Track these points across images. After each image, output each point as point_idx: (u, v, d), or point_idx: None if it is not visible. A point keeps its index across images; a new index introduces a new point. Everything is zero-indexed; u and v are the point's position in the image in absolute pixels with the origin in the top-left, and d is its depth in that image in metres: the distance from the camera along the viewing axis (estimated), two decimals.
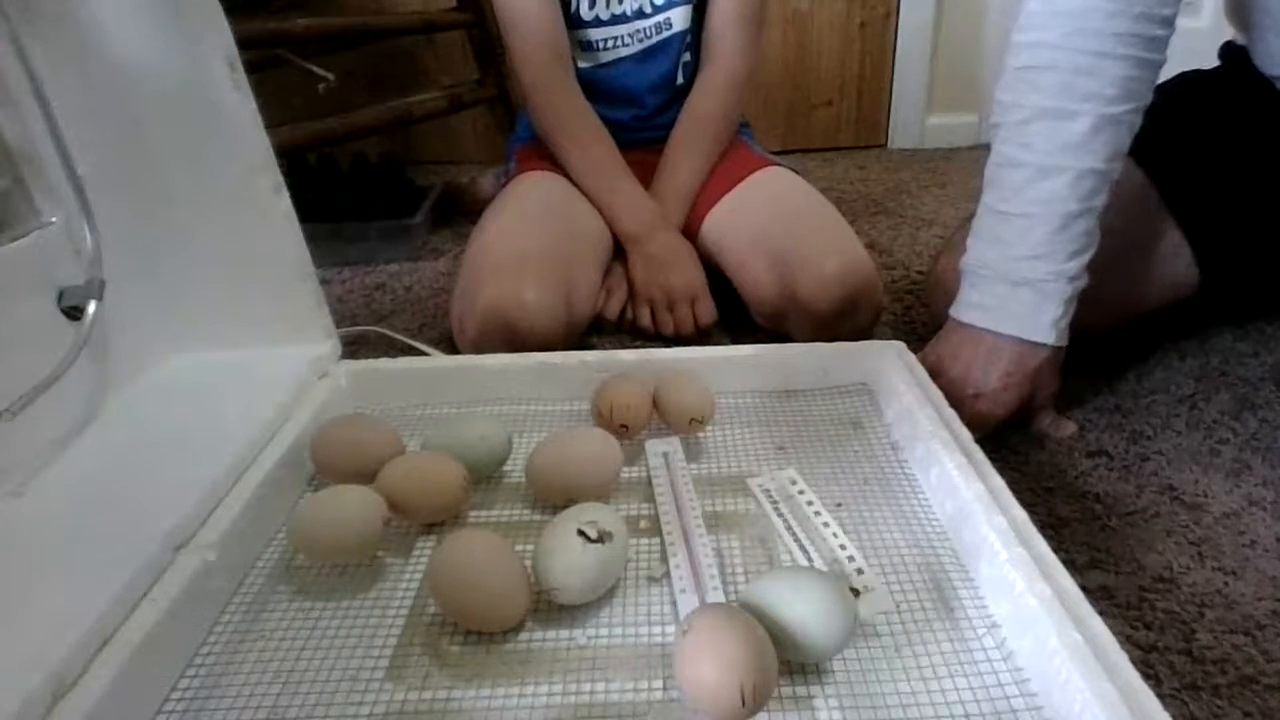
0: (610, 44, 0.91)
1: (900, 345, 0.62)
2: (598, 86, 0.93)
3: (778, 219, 0.81)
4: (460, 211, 1.35)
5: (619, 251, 0.89)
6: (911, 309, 0.88)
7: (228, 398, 0.54)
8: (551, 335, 0.71)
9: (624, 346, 0.82)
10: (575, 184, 0.89)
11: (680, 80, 0.95)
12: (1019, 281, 0.60)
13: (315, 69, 0.97)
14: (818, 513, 0.48)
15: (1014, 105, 0.60)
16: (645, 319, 0.84)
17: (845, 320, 0.74)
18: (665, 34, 0.91)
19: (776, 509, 0.48)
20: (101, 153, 0.51)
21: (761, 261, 0.79)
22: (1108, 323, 0.72)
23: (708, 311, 0.83)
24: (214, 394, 0.54)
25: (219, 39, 0.50)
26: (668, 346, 0.64)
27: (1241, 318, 0.81)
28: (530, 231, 0.80)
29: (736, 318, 0.86)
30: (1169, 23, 0.58)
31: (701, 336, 0.82)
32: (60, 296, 0.48)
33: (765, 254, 0.79)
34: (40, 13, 0.48)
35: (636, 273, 0.85)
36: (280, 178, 0.55)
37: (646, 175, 0.90)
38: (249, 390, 0.54)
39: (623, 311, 0.87)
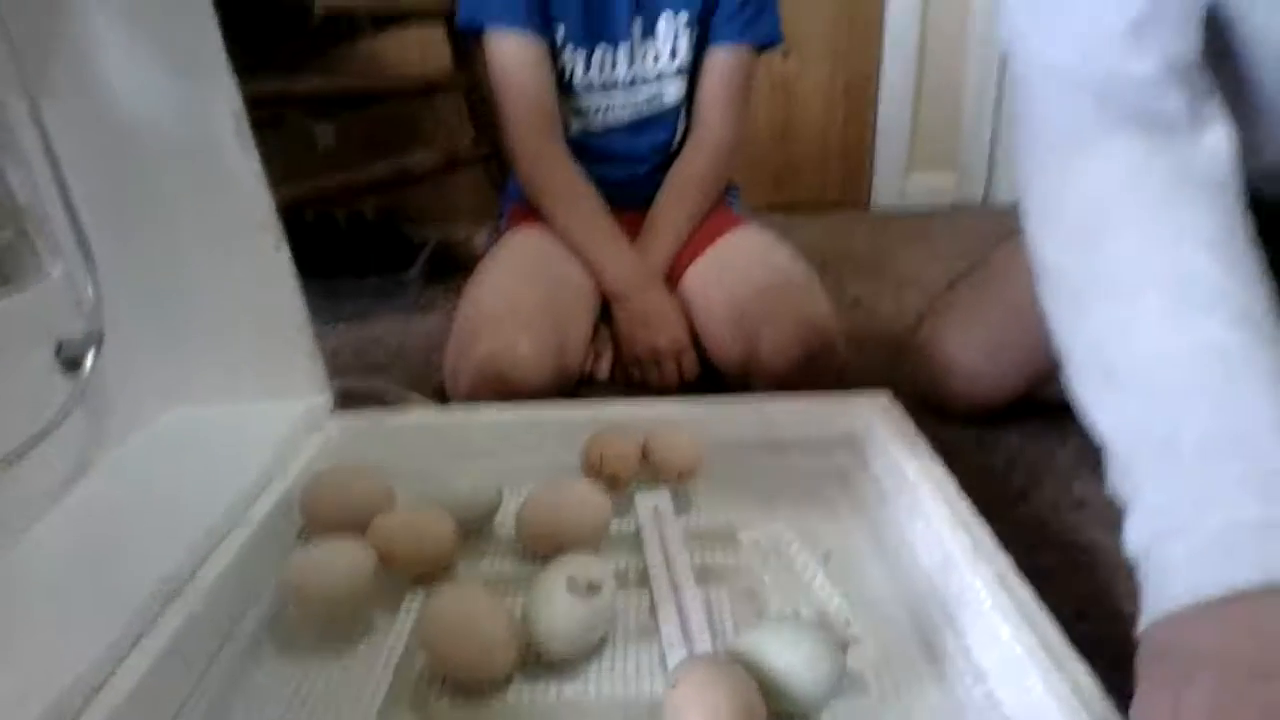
0: (604, 111, 0.95)
1: (886, 396, 0.63)
2: (592, 151, 0.96)
3: (745, 279, 0.84)
4: (454, 268, 1.37)
5: (606, 307, 0.91)
6: (896, 363, 0.89)
7: (220, 450, 0.54)
8: (544, 387, 0.72)
9: (613, 398, 0.83)
10: (563, 241, 0.91)
11: (675, 148, 0.98)
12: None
13: (317, 128, 1.00)
14: (806, 564, 0.48)
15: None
16: (634, 376, 0.85)
17: (805, 380, 0.75)
18: (659, 106, 0.95)
19: (765, 561, 0.49)
20: (106, 206, 0.53)
21: (727, 320, 0.81)
22: None
23: (691, 366, 0.85)
24: (207, 446, 0.55)
25: (227, 97, 0.52)
26: (656, 397, 0.65)
27: None
28: (522, 286, 0.82)
29: (710, 370, 0.87)
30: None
31: (686, 388, 0.84)
32: (59, 348, 0.49)
33: (731, 313, 0.81)
34: (54, 71, 0.50)
35: (622, 329, 0.87)
36: (281, 234, 0.56)
37: (637, 234, 0.93)
38: (242, 443, 0.55)
39: (612, 367, 0.88)
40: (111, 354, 0.51)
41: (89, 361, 0.49)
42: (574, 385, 0.82)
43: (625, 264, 0.89)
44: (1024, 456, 0.71)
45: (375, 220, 1.43)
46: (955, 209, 1.85)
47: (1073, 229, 0.49)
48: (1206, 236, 0.45)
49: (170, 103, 0.52)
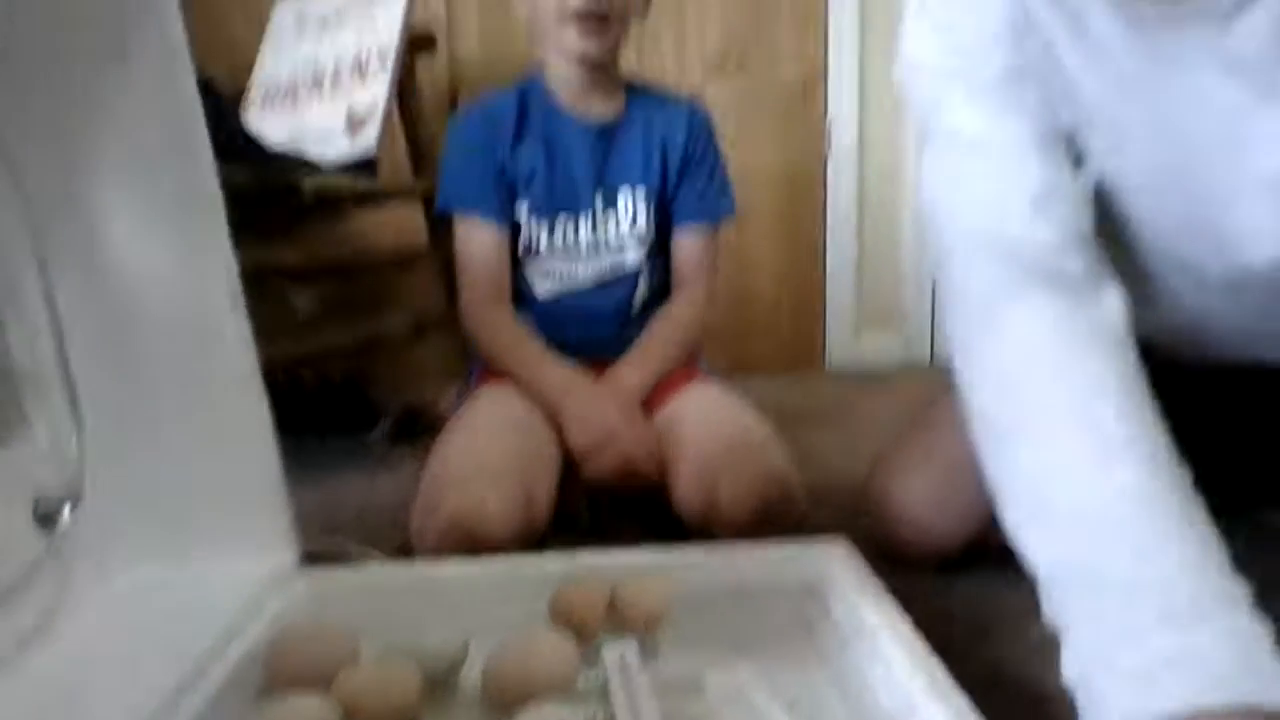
0: (567, 276, 1.02)
1: (845, 544, 0.65)
2: (558, 312, 1.02)
3: (706, 431, 0.87)
4: (419, 430, 1.39)
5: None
6: (854, 513, 0.92)
7: (186, 607, 0.54)
8: (513, 543, 0.73)
9: (579, 547, 0.84)
10: (514, 380, 0.95)
11: (635, 310, 1.05)
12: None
13: (296, 297, 1.06)
14: (771, 711, 0.49)
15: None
16: (592, 479, 0.88)
17: (764, 530, 0.76)
18: (620, 270, 1.03)
19: (733, 709, 0.49)
20: (96, 365, 0.55)
21: (688, 470, 0.84)
22: None
23: (645, 457, 0.86)
24: (173, 603, 0.55)
25: (224, 267, 0.56)
26: (624, 546, 0.66)
27: None
28: (490, 443, 0.84)
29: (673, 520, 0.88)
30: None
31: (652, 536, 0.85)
32: (36, 504, 0.50)
33: (692, 463, 0.84)
34: (64, 233, 0.54)
35: (570, 435, 0.88)
36: (264, 394, 0.59)
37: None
38: (207, 600, 0.55)
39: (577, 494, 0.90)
40: (87, 510, 0.52)
41: (64, 517, 0.49)
42: (542, 537, 0.83)
43: (564, 374, 0.93)
44: (979, 601, 0.73)
45: (342, 382, 1.46)
46: (905, 367, 1.96)
47: (998, 379, 0.56)
48: (1114, 387, 0.51)
49: (171, 271, 0.56)
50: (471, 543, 0.72)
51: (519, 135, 0.99)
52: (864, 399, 1.60)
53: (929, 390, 0.89)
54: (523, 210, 0.99)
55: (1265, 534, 0.84)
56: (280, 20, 1.59)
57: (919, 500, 0.76)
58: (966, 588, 0.75)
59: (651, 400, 0.96)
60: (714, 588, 0.64)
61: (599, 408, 0.89)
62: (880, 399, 1.60)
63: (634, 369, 0.95)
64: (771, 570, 0.64)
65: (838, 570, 0.61)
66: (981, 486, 0.70)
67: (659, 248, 1.05)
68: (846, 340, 2.01)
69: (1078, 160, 0.59)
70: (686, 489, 0.83)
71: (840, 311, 2.00)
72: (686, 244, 1.04)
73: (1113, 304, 0.55)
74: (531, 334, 0.98)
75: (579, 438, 0.88)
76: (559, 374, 0.93)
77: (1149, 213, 0.61)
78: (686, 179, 1.03)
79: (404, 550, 0.85)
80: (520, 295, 1.03)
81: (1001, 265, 0.56)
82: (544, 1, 0.93)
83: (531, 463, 0.84)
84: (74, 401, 0.52)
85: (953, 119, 0.60)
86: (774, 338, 2.01)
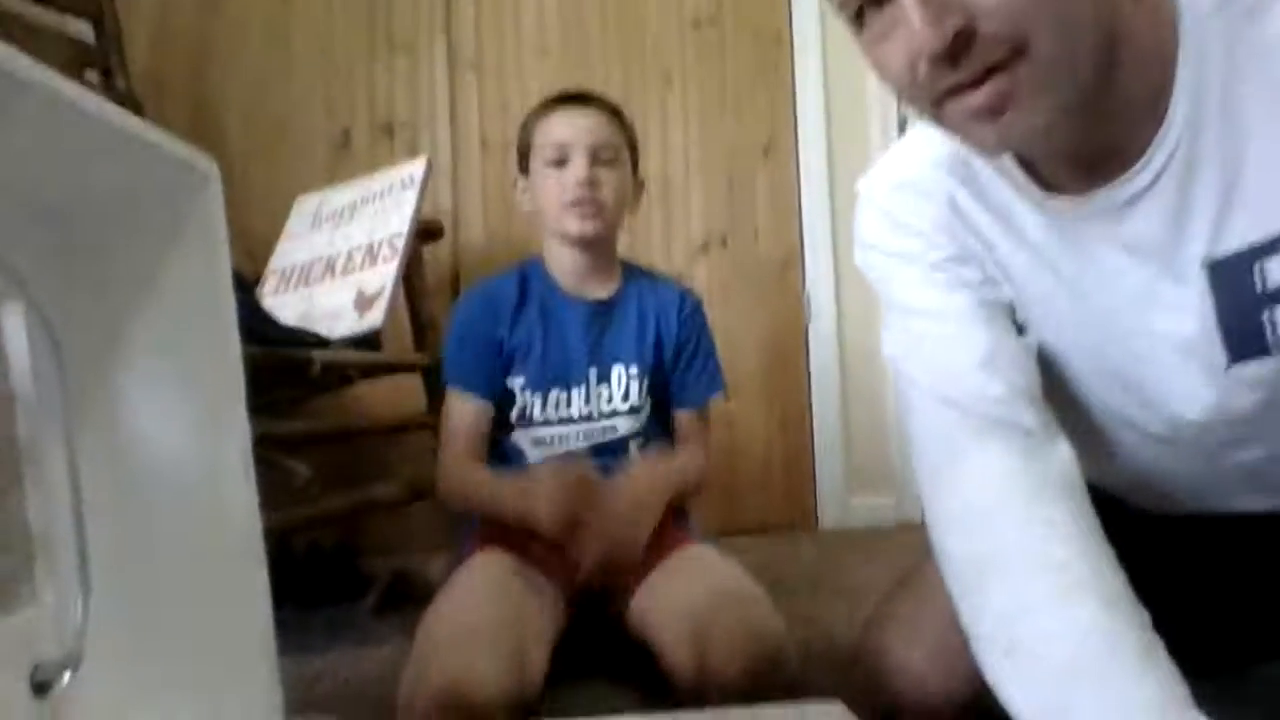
0: (560, 441, 1.06)
1: (840, 706, 0.64)
2: None
3: (696, 592, 0.88)
4: (407, 598, 1.37)
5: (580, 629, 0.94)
6: (849, 674, 0.90)
7: None
8: (505, 707, 0.72)
9: (570, 715, 0.81)
10: (486, 505, 0.99)
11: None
12: None
13: (293, 464, 1.09)
14: None
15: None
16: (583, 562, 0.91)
17: (755, 690, 0.76)
18: (613, 436, 1.07)
19: None
20: (105, 530, 0.57)
21: (678, 631, 0.84)
22: None
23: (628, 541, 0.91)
24: None
25: (240, 439, 0.60)
26: (614, 715, 0.65)
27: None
28: (483, 608, 0.85)
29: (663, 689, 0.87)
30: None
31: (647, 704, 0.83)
32: (34, 670, 0.50)
33: (682, 624, 0.84)
34: (92, 408, 0.57)
35: (545, 522, 0.91)
36: (264, 557, 0.61)
37: None
38: None
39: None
40: (83, 675, 0.52)
41: (62, 684, 0.50)
42: (536, 703, 0.81)
43: (526, 477, 0.97)
44: None
45: (332, 550, 1.46)
46: (899, 526, 1.95)
47: (963, 524, 0.61)
48: (1073, 532, 0.55)
49: (190, 440, 0.60)
50: (461, 709, 0.71)
51: (518, 311, 1.07)
52: (859, 559, 1.59)
53: (925, 548, 0.91)
54: (518, 381, 1.05)
55: (1269, 689, 0.82)
56: (299, 214, 1.73)
57: (913, 654, 0.75)
58: None
59: (642, 563, 0.97)
60: None
61: (562, 484, 0.91)
62: (875, 559, 1.59)
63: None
64: None
65: None
66: None
67: (651, 416, 1.10)
68: (839, 501, 2.02)
69: (1020, 329, 0.65)
70: (677, 649, 0.83)
71: (830, 473, 2.03)
72: (685, 423, 1.13)
73: (1065, 453, 0.60)
74: (494, 474, 1.03)
75: (548, 513, 0.90)
76: (521, 480, 0.97)
77: (1087, 375, 0.66)
78: (682, 366, 1.12)
79: None
80: (513, 460, 1.07)
81: (959, 413, 0.62)
82: (546, 193, 1.05)
83: (525, 628, 0.84)
84: (84, 569, 0.53)
85: (904, 294, 0.67)
86: (764, 501, 2.02)
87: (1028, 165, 0.59)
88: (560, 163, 1.04)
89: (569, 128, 1.04)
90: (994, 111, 0.49)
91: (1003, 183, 0.61)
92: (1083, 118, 0.52)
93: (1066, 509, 0.57)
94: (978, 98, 0.48)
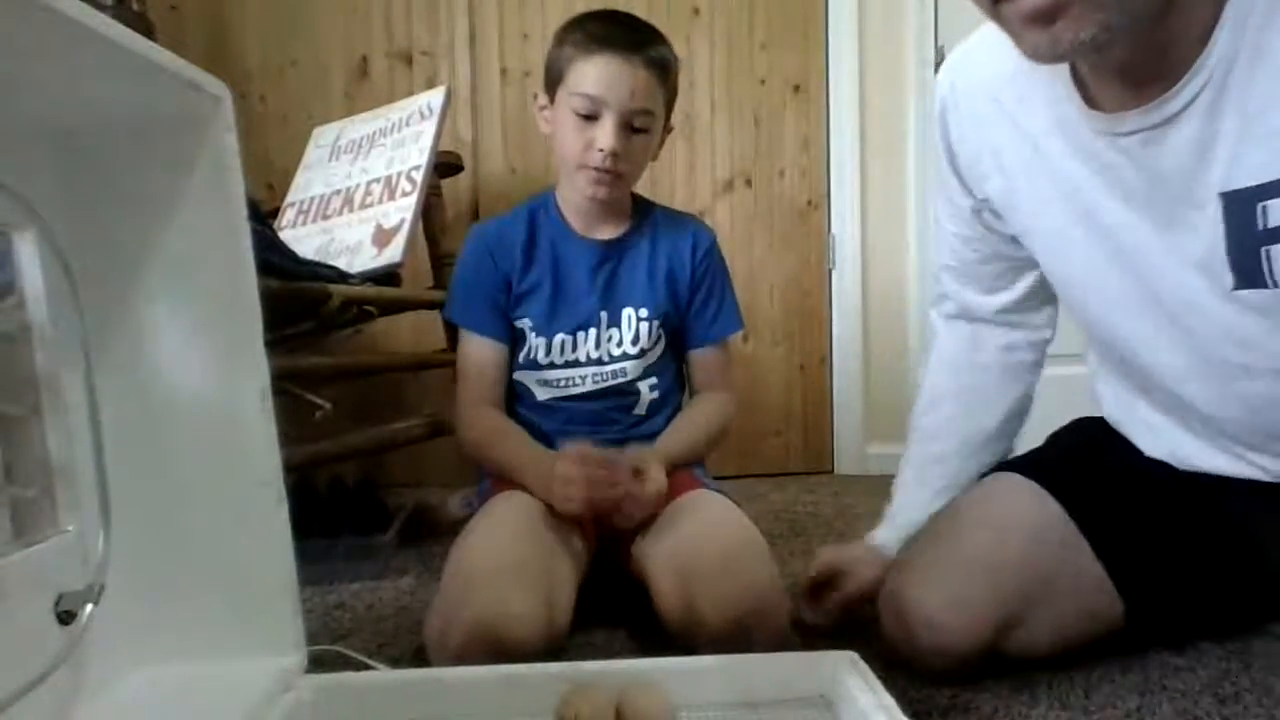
0: (568, 383, 1.05)
1: (854, 655, 0.65)
2: (561, 414, 1.05)
3: (692, 539, 0.87)
4: (426, 532, 1.39)
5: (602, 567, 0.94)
6: (865, 622, 0.91)
7: (192, 710, 0.54)
8: (536, 647, 0.73)
9: (588, 659, 0.82)
10: (506, 472, 0.98)
11: (640, 411, 1.07)
12: None
13: (315, 399, 1.09)
14: None
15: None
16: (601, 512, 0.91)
17: (742, 639, 0.75)
18: (621, 380, 1.06)
19: None
20: (126, 463, 0.57)
21: (670, 578, 0.83)
22: (1045, 651, 0.77)
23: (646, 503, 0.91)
24: (180, 705, 0.54)
25: (257, 372, 0.59)
26: (631, 658, 0.66)
27: (1173, 641, 0.85)
28: (511, 546, 0.84)
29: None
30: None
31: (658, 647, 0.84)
32: (58, 600, 0.51)
33: (675, 572, 0.83)
34: (112, 342, 0.57)
35: (560, 500, 0.90)
36: (284, 492, 0.61)
37: None
38: (214, 702, 0.55)
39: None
40: (105, 606, 0.53)
41: (85, 614, 0.50)
42: (562, 644, 0.82)
43: (538, 452, 0.97)
44: (996, 716, 0.71)
45: (355, 485, 1.47)
46: None
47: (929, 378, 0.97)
48: (985, 398, 0.95)
49: (207, 373, 0.59)
50: (498, 644, 0.71)
51: (527, 252, 1.05)
52: (875, 507, 1.59)
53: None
54: (526, 323, 1.04)
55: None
56: (317, 144, 1.70)
57: (934, 599, 0.75)
58: (982, 704, 0.73)
59: None
60: (724, 698, 0.63)
61: (585, 482, 0.89)
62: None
63: (659, 447, 1.00)
64: (780, 681, 0.64)
65: (848, 681, 0.61)
66: (998, 586, 0.75)
67: (664, 359, 1.08)
68: (856, 448, 2.02)
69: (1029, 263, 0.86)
70: (668, 597, 0.83)
71: (849, 420, 2.02)
72: (701, 361, 1.11)
73: (1010, 339, 0.93)
74: (515, 427, 1.03)
75: (567, 510, 0.90)
76: (544, 464, 0.94)
77: (1099, 298, 0.77)
78: (697, 305, 1.08)
79: (419, 656, 0.84)
80: (522, 398, 1.07)
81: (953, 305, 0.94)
82: (566, 140, 0.99)
83: (553, 567, 0.84)
84: (105, 500, 0.54)
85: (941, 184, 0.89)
86: (783, 446, 2.02)
87: (1081, 85, 0.68)
88: (590, 117, 0.96)
89: (607, 84, 0.94)
90: (1046, 18, 0.54)
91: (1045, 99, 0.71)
92: (1133, 42, 0.58)
93: (986, 379, 0.93)
94: (1032, 1, 0.54)
